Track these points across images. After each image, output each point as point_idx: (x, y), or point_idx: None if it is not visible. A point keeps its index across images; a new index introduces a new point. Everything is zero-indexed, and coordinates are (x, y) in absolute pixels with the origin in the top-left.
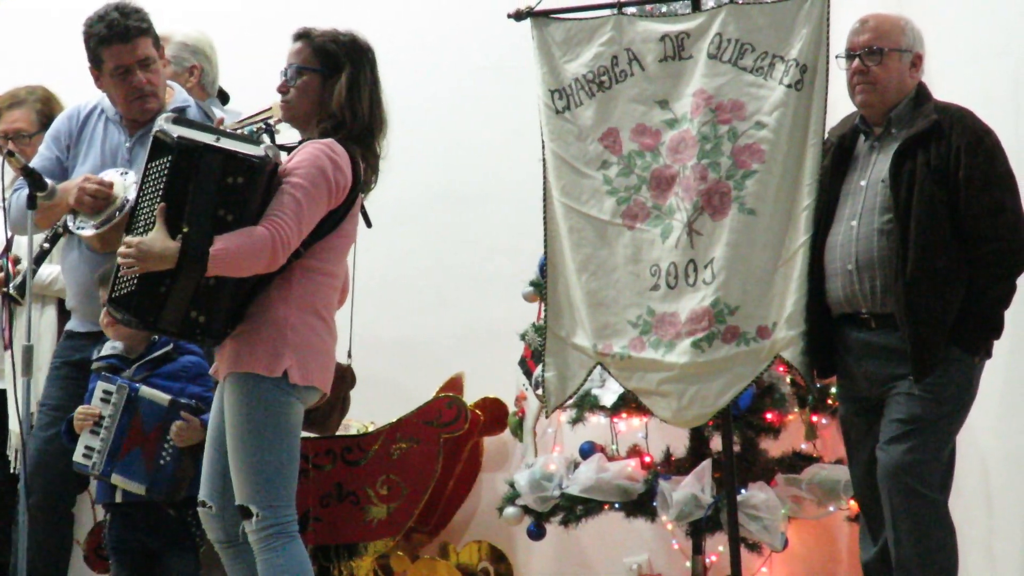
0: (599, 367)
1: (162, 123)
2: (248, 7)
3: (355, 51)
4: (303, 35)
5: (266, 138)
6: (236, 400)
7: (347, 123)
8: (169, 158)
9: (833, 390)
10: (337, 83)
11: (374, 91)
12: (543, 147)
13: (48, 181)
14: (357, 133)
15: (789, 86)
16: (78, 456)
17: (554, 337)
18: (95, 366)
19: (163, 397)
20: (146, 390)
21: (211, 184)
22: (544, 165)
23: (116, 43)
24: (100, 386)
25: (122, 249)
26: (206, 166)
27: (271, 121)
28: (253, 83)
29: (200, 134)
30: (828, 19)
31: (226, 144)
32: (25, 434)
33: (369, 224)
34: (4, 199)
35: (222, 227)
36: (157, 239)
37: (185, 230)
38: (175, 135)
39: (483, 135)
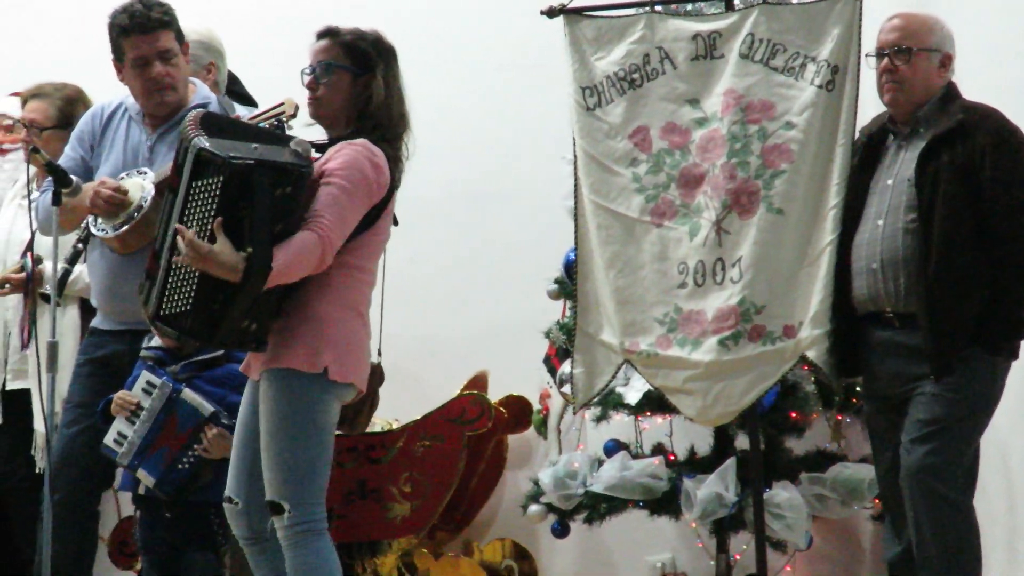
0: (626, 364)
1: (194, 132)
2: (266, 6)
3: (384, 50)
4: (329, 33)
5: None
6: (274, 396)
7: (384, 124)
8: (220, 179)
9: (858, 389)
10: (369, 82)
11: (401, 90)
12: (574, 144)
13: (72, 178)
14: (391, 133)
15: (820, 87)
16: (109, 440)
17: (582, 334)
18: (143, 355)
19: (205, 407)
20: (189, 393)
21: (266, 201)
22: (575, 162)
23: (136, 34)
24: (144, 376)
25: (183, 246)
26: (259, 184)
27: (283, 118)
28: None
29: (238, 144)
30: (860, 20)
31: (268, 154)
32: (49, 431)
33: (396, 222)
34: (28, 194)
35: (275, 239)
36: (226, 249)
37: (249, 250)
38: (223, 154)
39: (507, 133)
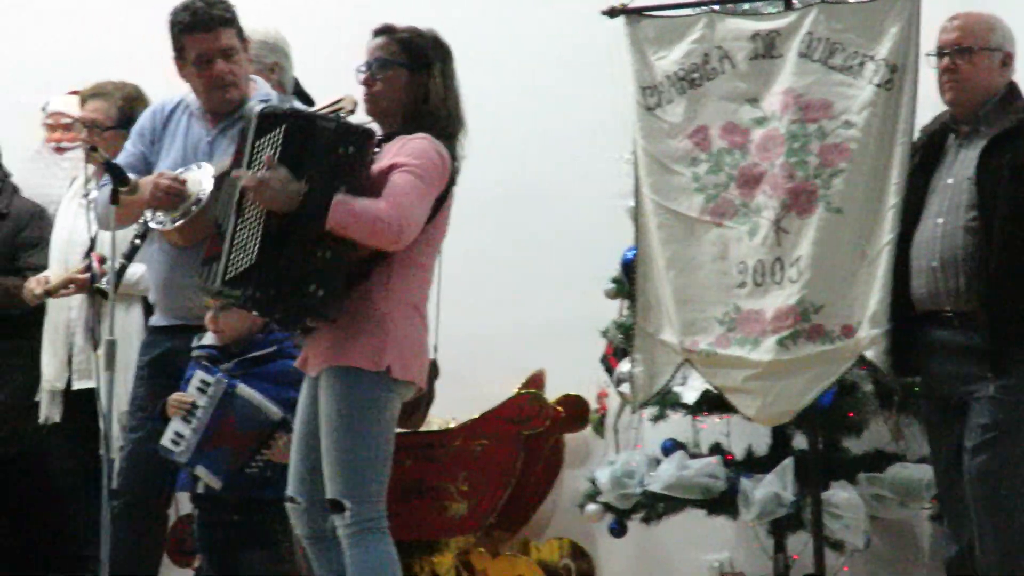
0: (685, 364)
1: (259, 107)
2: (321, 5)
3: (440, 47)
4: (386, 30)
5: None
6: (336, 393)
7: (440, 121)
8: (282, 128)
9: (916, 389)
10: (425, 79)
11: (457, 88)
12: (635, 143)
13: (130, 175)
14: (449, 131)
15: (879, 86)
16: (166, 440)
17: (643, 333)
18: (195, 354)
19: (274, 411)
20: (244, 389)
21: (325, 151)
22: (635, 162)
23: (199, 31)
24: (198, 375)
25: (249, 186)
26: (320, 134)
27: (341, 114)
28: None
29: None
30: (918, 18)
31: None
32: (108, 428)
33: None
34: (87, 193)
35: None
36: (285, 177)
37: (307, 184)
38: (286, 108)
39: (564, 131)
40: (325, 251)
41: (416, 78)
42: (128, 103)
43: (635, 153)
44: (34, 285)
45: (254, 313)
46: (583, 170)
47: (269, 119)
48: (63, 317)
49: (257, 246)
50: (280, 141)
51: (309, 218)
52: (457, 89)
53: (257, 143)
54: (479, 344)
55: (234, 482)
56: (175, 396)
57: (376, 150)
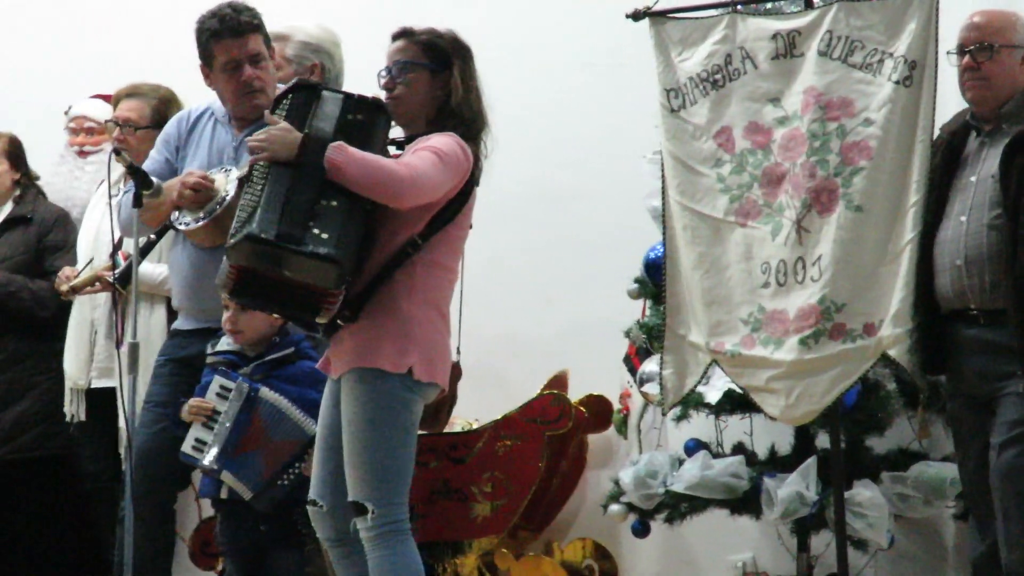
0: (713, 364)
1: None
2: (345, 8)
3: (460, 47)
4: (405, 33)
5: None
6: (359, 396)
7: (463, 121)
8: (292, 94)
9: (941, 388)
10: (447, 79)
11: (479, 88)
12: (661, 146)
13: (153, 179)
14: (473, 130)
15: (898, 83)
16: (187, 447)
17: (673, 334)
18: (210, 360)
19: (310, 425)
20: (268, 392)
21: (332, 112)
22: (662, 164)
23: (228, 37)
24: (217, 380)
25: (252, 142)
26: (327, 100)
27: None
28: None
29: None
30: (937, 14)
31: None
32: (131, 432)
33: (470, 225)
34: (111, 195)
35: None
36: (283, 125)
37: (307, 131)
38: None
39: (585, 132)
40: (331, 200)
41: (437, 79)
42: (163, 104)
43: (661, 155)
44: (62, 281)
45: (262, 259)
46: (606, 171)
47: (285, 93)
48: (87, 315)
49: (264, 192)
50: (288, 104)
51: (308, 161)
52: (479, 88)
53: (275, 115)
54: (502, 343)
55: (266, 493)
56: (193, 401)
57: (398, 152)
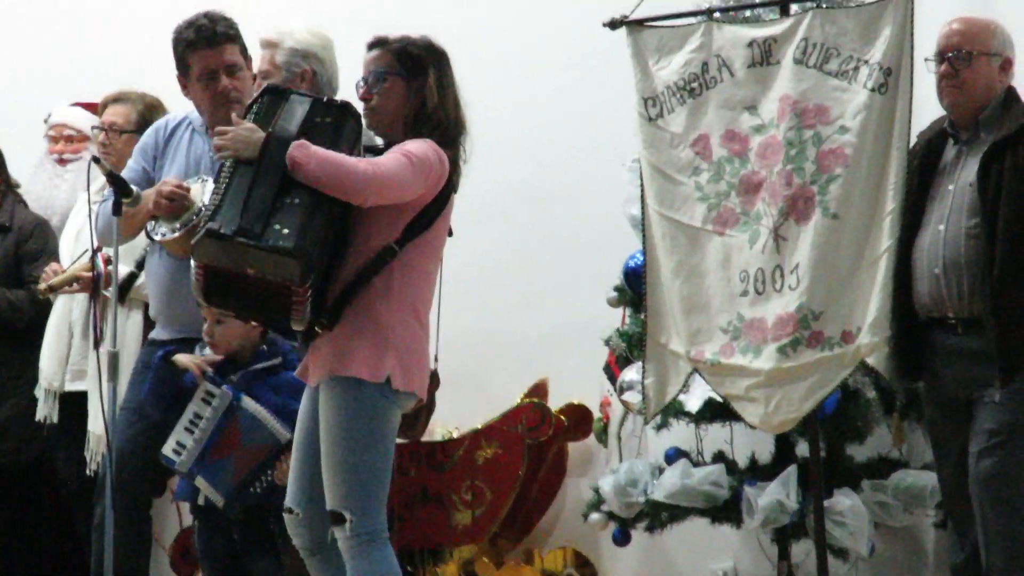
0: (694, 373)
1: None
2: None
3: (434, 53)
4: (379, 43)
5: None
6: (336, 404)
7: (440, 127)
8: (261, 97)
9: (920, 394)
10: (422, 86)
11: (456, 93)
12: (639, 154)
13: (133, 187)
14: (450, 135)
15: (872, 90)
16: (167, 449)
17: (654, 343)
18: None
19: (283, 433)
20: (249, 402)
21: (299, 114)
22: (639, 172)
23: (203, 48)
24: (204, 386)
25: (216, 140)
26: (295, 102)
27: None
28: None
29: None
30: (912, 21)
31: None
32: (111, 440)
33: (450, 233)
34: (90, 203)
35: None
36: (248, 124)
37: (271, 130)
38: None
39: (568, 136)
40: (294, 197)
41: (413, 86)
42: (148, 109)
43: (639, 164)
44: (47, 277)
45: (223, 255)
46: (587, 177)
47: (256, 99)
48: (65, 317)
49: (227, 190)
50: (256, 107)
51: (270, 159)
52: (456, 93)
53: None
54: (481, 348)
55: (236, 499)
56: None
57: (378, 155)
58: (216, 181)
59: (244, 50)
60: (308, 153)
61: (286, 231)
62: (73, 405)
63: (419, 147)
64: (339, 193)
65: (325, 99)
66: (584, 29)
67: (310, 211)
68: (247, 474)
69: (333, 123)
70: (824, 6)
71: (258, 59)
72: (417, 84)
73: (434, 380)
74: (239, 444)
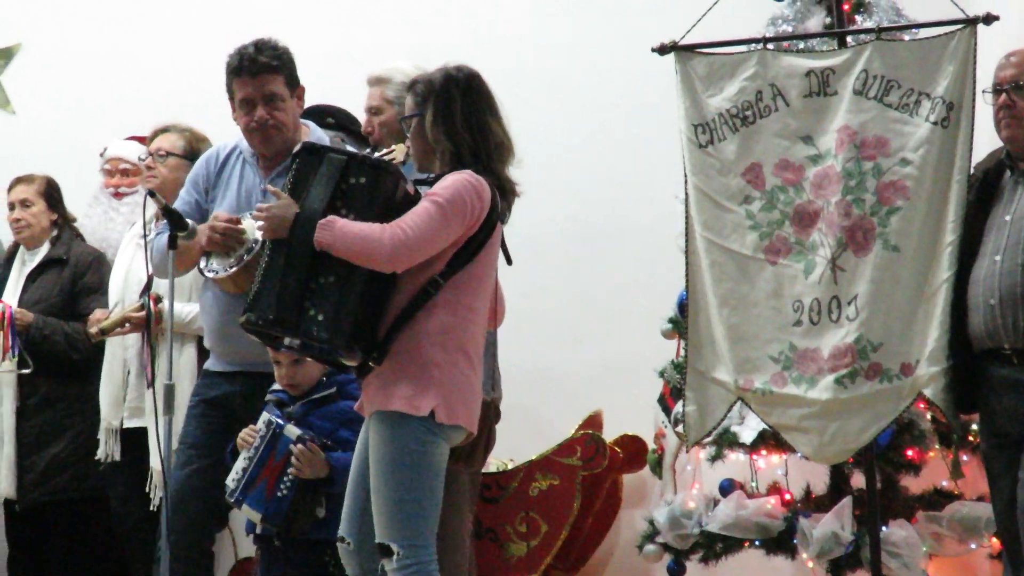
0: (740, 402)
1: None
2: (372, 45)
3: (435, 87)
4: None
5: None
6: (380, 439)
7: (470, 153)
8: (297, 159)
9: (974, 427)
10: (422, 122)
11: (473, 117)
12: (686, 181)
13: (188, 221)
14: (481, 162)
15: (935, 123)
16: (229, 479)
17: (694, 372)
18: (268, 397)
19: (293, 431)
20: (290, 428)
21: (332, 178)
22: (687, 199)
23: (244, 76)
24: (263, 416)
25: (256, 215)
26: (329, 163)
27: (386, 158)
28: None
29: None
30: (975, 55)
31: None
32: (166, 473)
33: (509, 261)
34: (145, 235)
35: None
36: (285, 201)
37: (297, 208)
38: (315, 144)
39: (619, 170)
40: (327, 275)
41: (427, 122)
42: (195, 140)
43: (686, 190)
44: (92, 323)
45: (264, 338)
46: (642, 209)
47: (295, 156)
48: (119, 355)
49: (264, 269)
50: (293, 173)
51: (299, 240)
52: (484, 117)
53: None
54: (536, 382)
55: (272, 510)
56: (244, 431)
57: (420, 188)
58: (261, 249)
59: (291, 80)
60: (333, 234)
61: (320, 317)
62: (132, 441)
63: (451, 187)
64: (370, 266)
65: (360, 157)
66: (632, 65)
67: (344, 287)
68: (275, 483)
69: (368, 183)
70: (883, 38)
71: (366, 96)
72: (419, 121)
73: (493, 411)
74: (274, 466)
